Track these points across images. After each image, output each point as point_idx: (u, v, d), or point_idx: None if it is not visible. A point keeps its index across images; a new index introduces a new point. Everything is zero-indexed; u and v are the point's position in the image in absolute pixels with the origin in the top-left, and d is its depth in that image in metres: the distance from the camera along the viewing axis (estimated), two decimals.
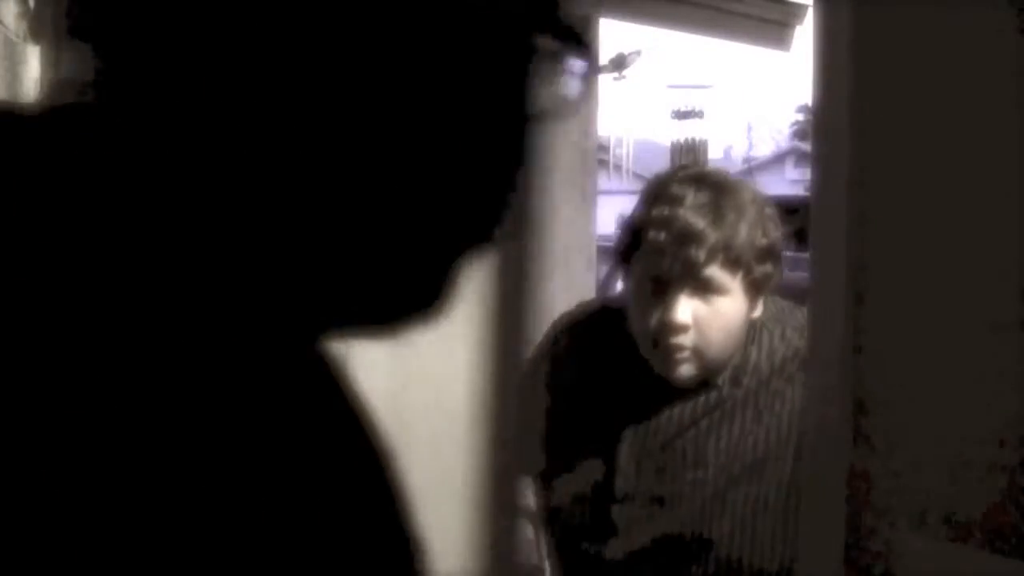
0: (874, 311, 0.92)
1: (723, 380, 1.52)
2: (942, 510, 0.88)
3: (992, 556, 0.86)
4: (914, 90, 0.90)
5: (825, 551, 0.95)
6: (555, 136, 3.81)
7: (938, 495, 0.89)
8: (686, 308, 1.47)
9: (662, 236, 1.49)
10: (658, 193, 1.55)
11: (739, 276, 1.48)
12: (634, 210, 1.57)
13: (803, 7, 4.62)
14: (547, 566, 1.70)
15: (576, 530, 1.59)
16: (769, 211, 1.54)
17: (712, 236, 1.46)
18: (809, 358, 1.00)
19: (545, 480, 1.64)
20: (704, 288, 1.47)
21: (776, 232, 1.53)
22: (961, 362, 0.87)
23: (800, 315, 1.52)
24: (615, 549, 1.53)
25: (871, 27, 0.92)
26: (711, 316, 1.48)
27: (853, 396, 0.93)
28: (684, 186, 1.53)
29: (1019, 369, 0.85)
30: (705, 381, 1.52)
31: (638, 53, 4.30)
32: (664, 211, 1.50)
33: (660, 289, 1.49)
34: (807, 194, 1.01)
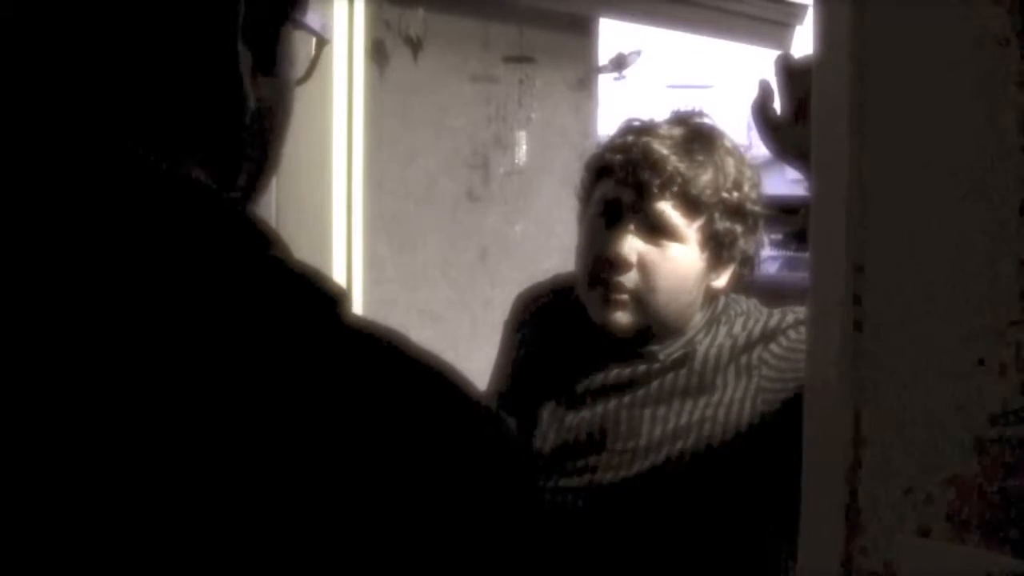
0: (874, 311, 0.92)
1: (666, 355, 1.38)
2: (942, 510, 0.88)
3: (992, 556, 0.86)
4: (915, 90, 0.90)
5: (824, 551, 0.95)
6: (554, 136, 3.81)
7: (938, 494, 0.89)
8: (629, 244, 1.34)
9: (618, 158, 1.37)
10: (631, 124, 1.44)
11: (697, 224, 1.35)
12: (609, 136, 1.45)
13: (803, 7, 4.63)
14: None
15: None
16: (750, 173, 1.40)
17: (671, 166, 1.33)
18: (809, 358, 1.00)
19: None
20: (654, 226, 1.34)
21: (752, 193, 1.39)
22: (961, 362, 0.87)
23: (766, 312, 1.41)
24: None
25: (871, 27, 0.92)
26: (658, 260, 1.34)
27: (852, 395, 0.93)
28: (660, 121, 1.42)
29: (1020, 368, 0.85)
30: (647, 344, 1.38)
31: (638, 53, 4.29)
32: (629, 138, 1.39)
33: (609, 224, 1.36)
34: (807, 194, 1.01)
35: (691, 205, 1.34)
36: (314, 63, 0.64)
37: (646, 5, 4.10)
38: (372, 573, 0.42)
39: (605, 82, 4.34)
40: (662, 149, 1.35)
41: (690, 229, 1.35)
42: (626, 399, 1.38)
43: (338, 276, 1.82)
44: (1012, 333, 0.85)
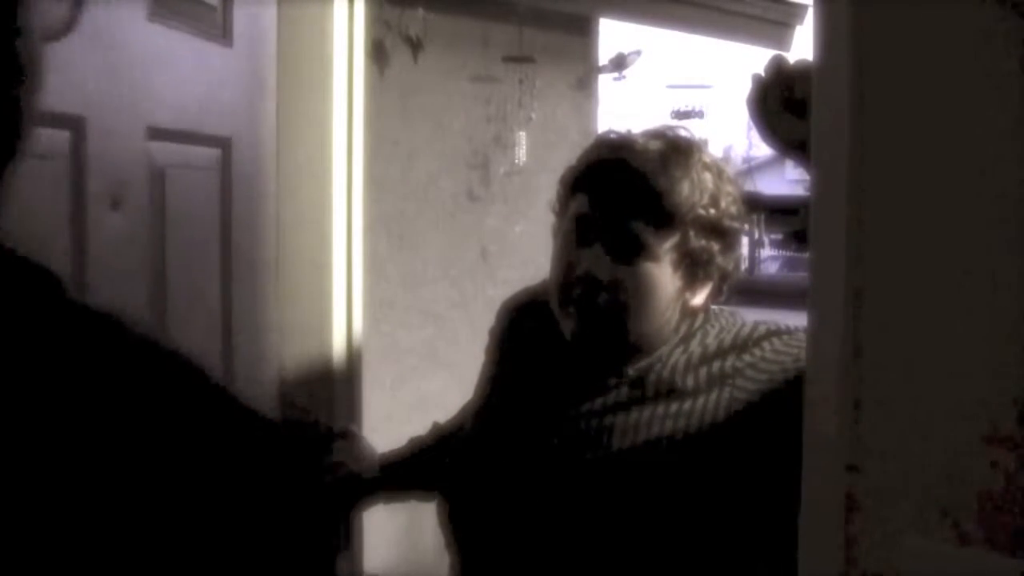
0: (874, 312, 0.92)
1: (636, 370, 1.36)
2: (942, 510, 0.88)
3: (992, 556, 0.86)
4: (915, 91, 0.90)
5: (824, 552, 0.95)
6: (554, 136, 3.81)
7: (938, 494, 0.89)
8: (601, 263, 1.31)
9: (591, 173, 1.34)
10: (607, 137, 1.40)
11: (670, 242, 1.31)
12: (583, 151, 1.41)
13: (803, 7, 4.63)
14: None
15: (458, 502, 1.43)
16: (730, 188, 1.37)
17: (643, 183, 1.30)
18: (809, 359, 1.00)
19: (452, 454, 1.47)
20: (626, 245, 1.31)
21: (732, 208, 1.36)
22: (962, 362, 0.87)
23: (739, 323, 1.39)
24: (492, 524, 1.37)
25: (871, 27, 0.92)
26: (629, 280, 1.32)
27: (852, 396, 0.93)
28: (637, 135, 1.38)
29: (1020, 368, 0.85)
30: (620, 358, 1.36)
31: (638, 53, 4.29)
32: (604, 153, 1.36)
33: (581, 241, 1.34)
34: (807, 194, 1.01)
35: (664, 223, 1.31)
36: (74, 16, 0.56)
37: (646, 5, 4.10)
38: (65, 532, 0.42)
39: (605, 82, 4.33)
40: (635, 165, 1.31)
41: (663, 248, 1.32)
42: (596, 408, 1.36)
43: (338, 276, 1.82)
44: (1013, 333, 0.85)
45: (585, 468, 1.34)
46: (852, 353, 0.93)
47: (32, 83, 0.53)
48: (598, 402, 1.37)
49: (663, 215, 1.31)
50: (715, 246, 1.36)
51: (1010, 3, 0.84)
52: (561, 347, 1.41)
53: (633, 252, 1.32)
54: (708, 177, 1.36)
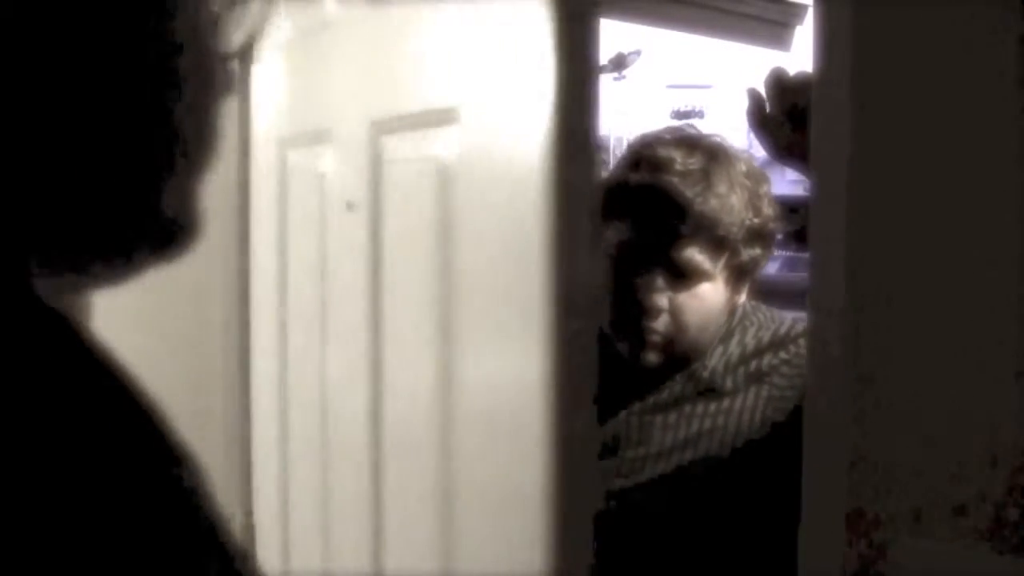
0: (873, 311, 0.92)
1: (680, 375, 1.37)
2: (942, 509, 0.88)
3: (992, 556, 0.86)
4: (915, 90, 0.90)
5: (824, 551, 0.95)
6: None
7: (938, 494, 0.89)
8: (659, 291, 1.32)
9: (640, 204, 1.33)
10: (642, 154, 1.37)
11: (723, 260, 1.33)
12: (614, 170, 1.39)
13: (803, 7, 4.61)
14: None
15: None
16: (765, 188, 1.38)
17: (696, 211, 1.30)
18: (809, 359, 1.00)
19: None
20: (682, 270, 1.32)
21: (770, 210, 1.37)
22: (961, 361, 0.87)
23: (778, 321, 1.40)
24: None
25: (871, 27, 0.92)
26: (688, 302, 1.33)
27: (852, 395, 0.93)
28: (672, 149, 1.36)
29: (1019, 368, 0.85)
30: (672, 367, 1.37)
31: (638, 53, 4.29)
32: (646, 176, 1.34)
33: (633, 267, 1.33)
34: (807, 194, 1.01)
35: (718, 245, 1.33)
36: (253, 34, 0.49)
37: (646, 5, 4.10)
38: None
39: (605, 82, 4.33)
40: (684, 192, 1.31)
41: (716, 267, 1.34)
42: (637, 407, 1.38)
43: None
44: (1011, 334, 0.85)
45: (625, 465, 1.35)
46: (853, 353, 0.93)
47: (200, 99, 0.45)
48: (636, 406, 1.39)
49: (716, 238, 1.32)
50: (760, 251, 1.38)
51: (1010, 3, 0.84)
52: (601, 347, 1.42)
53: (688, 276, 1.33)
54: (748, 184, 1.37)
